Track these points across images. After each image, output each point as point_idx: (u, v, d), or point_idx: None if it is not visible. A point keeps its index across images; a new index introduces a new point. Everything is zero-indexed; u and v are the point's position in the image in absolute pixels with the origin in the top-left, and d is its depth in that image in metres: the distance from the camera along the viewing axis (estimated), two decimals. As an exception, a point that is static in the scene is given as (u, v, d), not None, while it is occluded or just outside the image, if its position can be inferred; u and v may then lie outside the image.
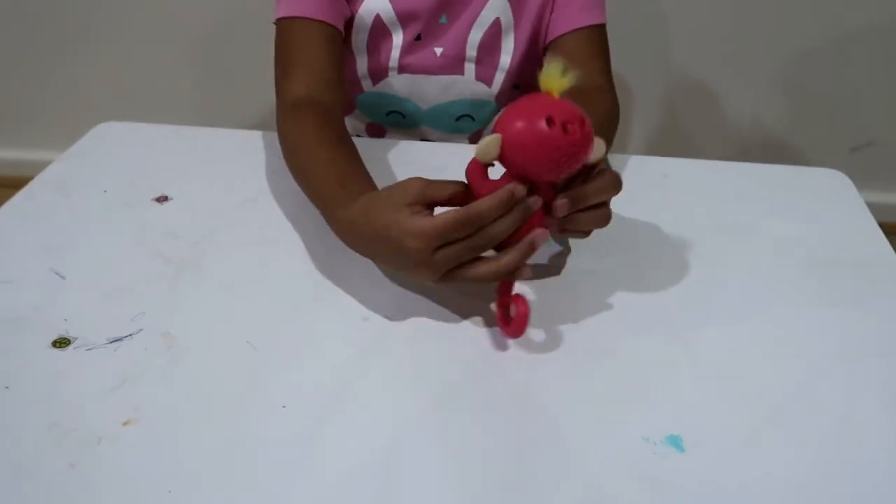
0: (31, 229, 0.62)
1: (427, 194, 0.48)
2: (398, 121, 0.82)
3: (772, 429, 0.46)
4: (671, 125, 1.59)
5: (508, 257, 0.48)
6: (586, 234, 0.54)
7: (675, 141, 1.61)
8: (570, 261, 0.59)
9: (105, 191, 0.66)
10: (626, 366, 0.50)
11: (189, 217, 0.63)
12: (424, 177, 0.49)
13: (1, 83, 1.62)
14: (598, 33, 0.74)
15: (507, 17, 0.76)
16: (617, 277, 0.58)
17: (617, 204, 0.53)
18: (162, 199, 0.65)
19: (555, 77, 0.46)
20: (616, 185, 0.51)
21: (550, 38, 0.75)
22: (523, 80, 0.80)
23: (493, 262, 0.48)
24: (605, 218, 0.52)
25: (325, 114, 0.64)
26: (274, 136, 0.74)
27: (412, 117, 0.81)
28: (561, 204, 0.48)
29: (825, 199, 0.70)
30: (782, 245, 0.63)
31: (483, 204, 0.46)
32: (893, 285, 0.59)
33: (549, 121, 0.44)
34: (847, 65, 1.49)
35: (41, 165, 0.70)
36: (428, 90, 0.79)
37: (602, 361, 0.50)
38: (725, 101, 1.55)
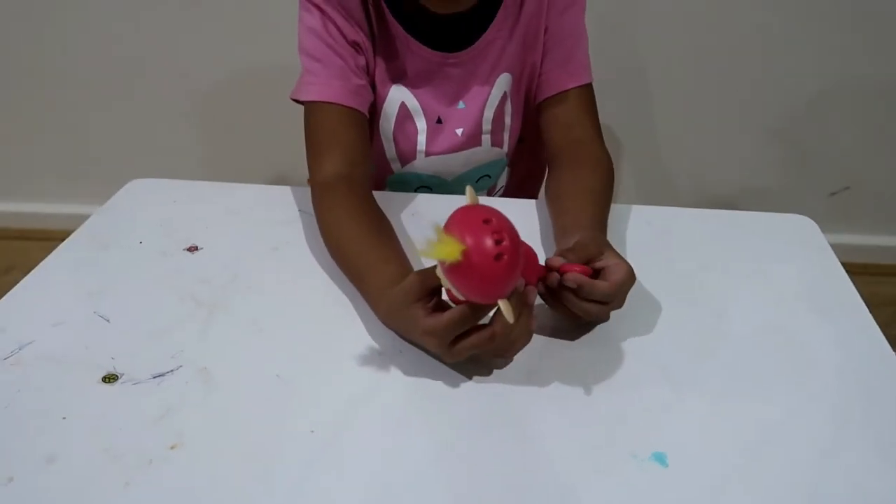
0: (75, 278, 0.68)
1: (425, 285, 0.55)
2: (425, 193, 0.88)
3: (747, 453, 0.52)
4: (657, 174, 1.68)
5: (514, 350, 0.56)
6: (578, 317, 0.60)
7: (660, 189, 1.69)
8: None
9: (140, 242, 0.73)
10: (613, 392, 0.56)
11: (218, 264, 0.70)
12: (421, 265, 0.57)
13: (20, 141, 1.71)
14: (585, 92, 0.82)
15: (509, 89, 0.84)
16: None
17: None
18: (192, 249, 0.72)
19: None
20: (608, 295, 0.58)
21: (541, 97, 0.83)
22: (525, 133, 0.89)
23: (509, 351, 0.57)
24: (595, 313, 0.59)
25: (355, 191, 0.71)
26: (289, 188, 0.82)
27: (438, 189, 0.89)
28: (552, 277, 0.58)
29: (794, 243, 0.77)
30: (755, 286, 0.70)
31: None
32: (854, 325, 0.65)
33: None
34: (824, 114, 1.57)
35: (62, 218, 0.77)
36: (452, 165, 0.87)
37: (590, 389, 0.57)
38: (708, 150, 1.63)
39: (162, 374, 0.56)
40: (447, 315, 0.53)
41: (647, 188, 1.69)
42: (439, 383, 0.56)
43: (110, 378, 0.56)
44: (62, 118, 1.67)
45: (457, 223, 0.50)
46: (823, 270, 0.73)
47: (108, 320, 0.62)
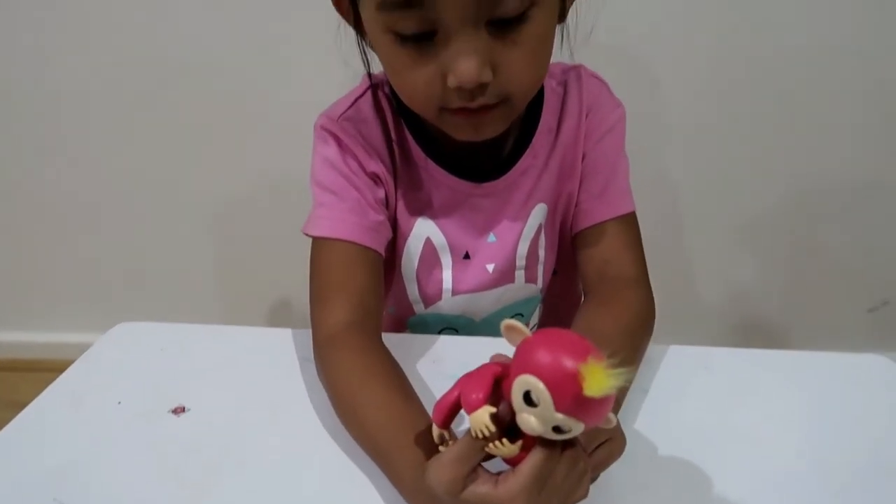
0: (38, 450, 0.58)
1: (468, 465, 0.43)
2: (451, 335, 0.77)
3: None
4: (682, 305, 1.56)
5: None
6: None
7: (691, 315, 1.58)
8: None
9: (119, 402, 0.63)
10: None
11: (207, 430, 0.59)
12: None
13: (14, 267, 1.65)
14: (625, 224, 0.72)
15: (544, 220, 0.75)
16: (665, 486, 0.53)
17: (659, 401, 0.53)
18: (178, 411, 0.62)
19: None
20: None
21: (577, 229, 0.74)
22: (559, 266, 0.80)
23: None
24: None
25: (368, 344, 0.61)
26: (292, 332, 0.73)
27: (465, 330, 0.78)
28: None
29: (874, 387, 0.66)
30: (838, 438, 0.59)
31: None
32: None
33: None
34: (856, 227, 1.50)
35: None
36: (481, 304, 0.77)
37: None
38: (739, 270, 1.54)
39: (126, 591, 0.45)
40: (529, 464, 0.42)
41: (674, 321, 1.58)
42: None
43: None
44: (59, 247, 1.61)
45: (570, 351, 0.40)
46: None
47: (68, 510, 0.51)
